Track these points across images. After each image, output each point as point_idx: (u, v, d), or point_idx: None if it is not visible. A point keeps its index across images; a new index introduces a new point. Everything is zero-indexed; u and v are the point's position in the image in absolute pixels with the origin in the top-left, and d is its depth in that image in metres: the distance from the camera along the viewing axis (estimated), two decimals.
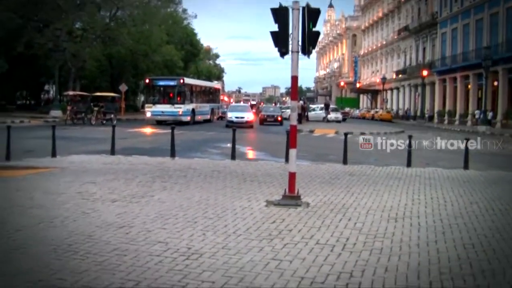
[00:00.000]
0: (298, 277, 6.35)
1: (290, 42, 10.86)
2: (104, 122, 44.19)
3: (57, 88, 59.16)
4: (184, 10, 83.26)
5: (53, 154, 17.91)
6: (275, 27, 11.02)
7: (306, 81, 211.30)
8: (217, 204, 10.45)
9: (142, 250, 7.29)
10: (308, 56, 11.13)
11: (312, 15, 10.89)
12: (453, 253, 7.42)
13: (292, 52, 10.88)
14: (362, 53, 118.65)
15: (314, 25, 10.95)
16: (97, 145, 23.91)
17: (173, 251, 7.27)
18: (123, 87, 59.55)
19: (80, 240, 7.66)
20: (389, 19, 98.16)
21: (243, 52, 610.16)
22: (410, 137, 18.66)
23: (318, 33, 11.35)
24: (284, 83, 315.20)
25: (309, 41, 10.89)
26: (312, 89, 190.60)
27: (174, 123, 24.09)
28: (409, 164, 17.64)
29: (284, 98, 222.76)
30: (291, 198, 10.67)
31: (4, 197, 10.82)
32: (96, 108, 45.60)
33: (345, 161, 17.88)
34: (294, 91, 11.56)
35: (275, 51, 11.04)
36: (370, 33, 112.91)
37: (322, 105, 67.40)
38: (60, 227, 8.42)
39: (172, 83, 47.43)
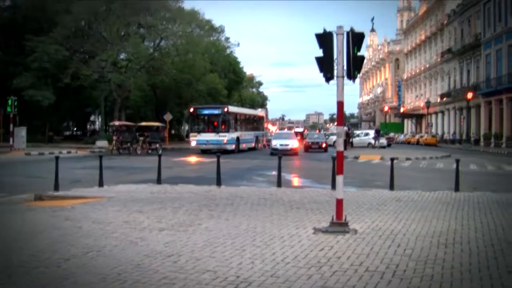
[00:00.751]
0: None
1: (335, 67, 10.83)
2: (150, 151, 44.64)
3: (103, 118, 59.98)
4: (227, 39, 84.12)
5: (100, 184, 18.10)
6: (319, 53, 11.01)
7: (350, 107, 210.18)
8: (264, 232, 10.41)
9: (191, 278, 7.28)
10: (354, 81, 11.09)
11: (356, 39, 10.85)
12: (507, 280, 7.26)
13: (337, 77, 10.84)
14: (405, 77, 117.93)
15: (359, 50, 10.91)
16: (143, 174, 24.12)
17: (222, 279, 7.24)
18: (168, 116, 60.14)
19: (129, 269, 7.69)
20: (432, 42, 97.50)
21: (286, 79, 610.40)
22: (457, 161, 18.40)
23: (363, 58, 11.32)
24: (328, 110, 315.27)
25: (354, 66, 10.84)
26: (356, 115, 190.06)
27: (219, 152, 24.22)
28: (457, 189, 17.36)
29: (328, 125, 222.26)
30: (339, 225, 10.57)
31: (54, 226, 10.94)
32: (141, 138, 46.02)
33: (391, 187, 17.69)
34: (340, 116, 11.44)
35: (318, 77, 11.07)
36: (413, 57, 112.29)
37: (367, 131, 66.92)
38: (108, 256, 8.47)
39: (216, 111, 47.66)
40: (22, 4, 64.07)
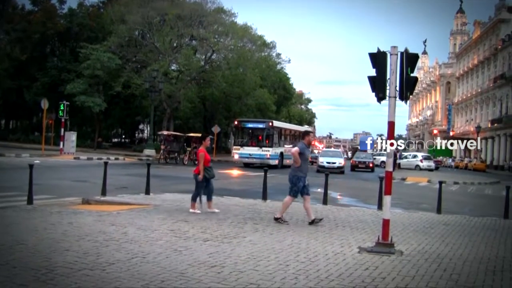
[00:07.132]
0: None
1: (388, 87, 10.73)
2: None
3: (152, 128, 60.58)
4: (278, 55, 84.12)
5: (147, 192, 18.24)
6: (371, 72, 10.93)
7: (398, 128, 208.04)
8: (309, 248, 10.33)
9: None
10: (406, 102, 10.99)
11: (410, 60, 10.74)
12: None
13: (389, 97, 10.74)
14: (456, 101, 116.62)
15: (412, 71, 10.79)
16: (189, 184, 24.02)
17: None
18: (216, 129, 60.40)
19: (173, 277, 7.69)
20: (484, 66, 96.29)
21: (334, 97, 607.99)
22: (507, 188, 18.01)
23: (416, 79, 11.20)
24: (375, 130, 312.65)
25: (407, 87, 10.71)
26: (403, 136, 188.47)
27: (262, 166, 23.90)
28: (506, 216, 16.98)
29: (375, 145, 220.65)
30: (385, 246, 10.44)
31: (99, 230, 11.03)
32: (189, 149, 46.30)
33: (439, 210, 17.43)
34: (391, 137, 11.29)
35: (367, 96, 11.12)
36: (465, 81, 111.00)
37: (415, 153, 66.00)
38: (152, 263, 8.49)
39: (261, 125, 47.61)
40: (78, 13, 65.39)
